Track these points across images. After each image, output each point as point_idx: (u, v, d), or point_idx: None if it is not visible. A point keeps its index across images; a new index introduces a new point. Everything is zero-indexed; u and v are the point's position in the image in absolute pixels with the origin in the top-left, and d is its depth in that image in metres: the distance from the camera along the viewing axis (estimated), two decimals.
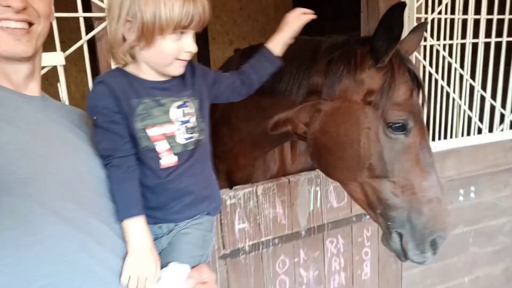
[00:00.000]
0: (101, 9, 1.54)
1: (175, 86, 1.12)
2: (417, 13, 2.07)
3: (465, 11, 2.26)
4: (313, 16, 1.42)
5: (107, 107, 1.04)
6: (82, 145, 1.06)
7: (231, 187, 1.88)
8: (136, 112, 1.05)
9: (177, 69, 1.10)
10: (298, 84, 1.55)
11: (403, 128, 1.37)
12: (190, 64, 1.17)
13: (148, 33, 1.00)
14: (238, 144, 1.91)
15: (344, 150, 1.43)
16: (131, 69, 1.10)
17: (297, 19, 1.38)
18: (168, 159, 1.10)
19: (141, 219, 1.05)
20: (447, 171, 2.41)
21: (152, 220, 1.13)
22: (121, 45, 1.05)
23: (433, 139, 2.34)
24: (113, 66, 1.28)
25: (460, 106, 2.36)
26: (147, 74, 1.10)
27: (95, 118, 1.05)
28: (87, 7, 1.53)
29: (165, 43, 1.03)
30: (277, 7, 6.48)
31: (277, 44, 1.37)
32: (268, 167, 2.12)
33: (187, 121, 1.12)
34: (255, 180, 2.06)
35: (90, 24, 1.54)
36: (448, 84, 2.31)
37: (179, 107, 1.10)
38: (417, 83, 1.42)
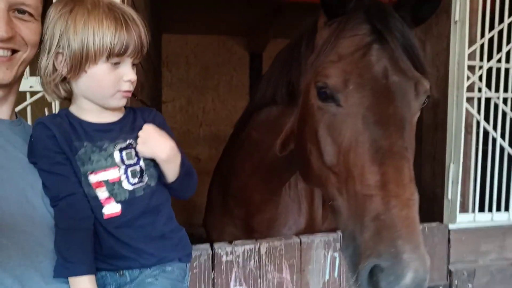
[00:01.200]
0: None
1: (120, 128, 1.06)
2: (469, 60, 1.78)
3: None
4: None
5: (48, 148, 0.98)
6: None
7: (250, 237, 1.65)
8: (78, 155, 0.99)
9: (118, 101, 1.03)
10: (281, 84, 1.36)
11: (330, 93, 1.04)
12: (150, 111, 1.14)
13: (80, 63, 0.97)
14: (252, 176, 1.71)
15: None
16: (73, 109, 1.06)
17: None
18: (110, 208, 1.00)
19: (88, 279, 0.94)
20: (510, 251, 1.95)
21: (111, 267, 1.02)
22: (52, 77, 1.01)
23: (490, 210, 1.92)
24: None
25: None
26: (89, 114, 1.04)
27: (36, 162, 0.99)
28: None
29: (99, 72, 0.98)
30: None
31: None
32: (293, 217, 1.86)
33: (133, 165, 1.03)
34: (276, 232, 1.81)
35: None
36: (510, 145, 1.92)
37: (123, 149, 1.03)
38: (379, 37, 1.07)
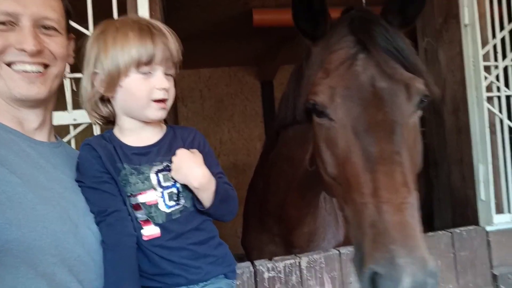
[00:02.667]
0: None
1: (158, 150, 1.07)
2: (484, 60, 1.82)
3: None
4: None
5: (94, 168, 1.02)
6: (83, 197, 1.01)
7: (290, 254, 1.67)
8: (120, 177, 1.02)
9: (155, 112, 1.04)
10: (296, 104, 1.38)
11: (321, 110, 1.08)
12: (190, 131, 1.15)
13: (113, 79, 1.01)
14: (287, 191, 1.72)
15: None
16: (116, 131, 1.10)
17: None
18: (150, 230, 1.02)
19: None
20: None
21: (159, 284, 1.01)
22: (91, 94, 1.06)
23: None
24: None
25: None
26: (130, 135, 1.08)
27: (82, 181, 1.02)
28: None
29: (132, 83, 1.02)
30: None
31: None
32: (331, 230, 1.86)
33: (170, 187, 1.04)
34: (316, 246, 1.81)
35: None
36: None
37: (159, 171, 1.04)
38: (364, 47, 1.09)
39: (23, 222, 0.83)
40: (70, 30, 1.12)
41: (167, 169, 1.04)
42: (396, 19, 1.17)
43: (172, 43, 1.05)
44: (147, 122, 1.08)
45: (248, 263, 1.61)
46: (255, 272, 1.57)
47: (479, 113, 1.80)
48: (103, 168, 1.01)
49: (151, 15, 1.56)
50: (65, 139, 1.50)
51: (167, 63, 1.04)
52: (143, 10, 1.53)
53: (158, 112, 1.05)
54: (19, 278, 0.81)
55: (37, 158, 0.96)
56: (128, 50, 0.99)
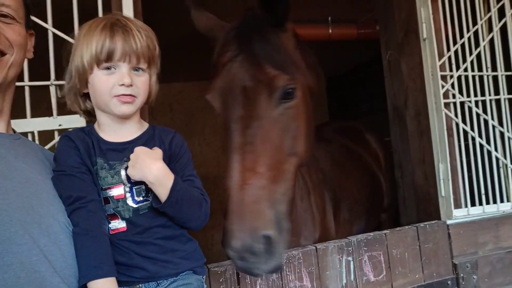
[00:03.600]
0: None
1: (133, 148, 1.06)
2: (441, 71, 2.02)
3: (494, 67, 2.18)
4: None
5: (73, 158, 1.04)
6: (47, 187, 0.99)
7: None
8: (95, 169, 1.05)
9: (117, 107, 1.05)
10: None
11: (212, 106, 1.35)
12: (169, 132, 1.16)
13: (82, 75, 1.06)
14: None
15: None
16: (96, 126, 1.13)
17: None
18: (116, 224, 1.04)
19: (113, 281, 0.94)
20: (504, 240, 2.10)
21: (127, 278, 1.01)
22: (69, 86, 1.11)
23: (480, 203, 2.09)
24: None
25: (506, 165, 2.15)
26: (107, 131, 1.11)
27: (62, 170, 1.03)
28: None
29: (96, 79, 1.05)
30: None
31: None
32: (308, 228, 1.95)
33: (139, 183, 1.04)
34: (293, 242, 1.89)
35: None
36: (488, 142, 2.14)
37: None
38: (239, 51, 1.29)
39: None
40: (30, 26, 1.11)
41: None
42: (272, 20, 1.33)
43: (137, 37, 1.04)
44: (124, 118, 1.09)
45: (230, 261, 1.67)
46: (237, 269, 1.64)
47: (438, 118, 1.98)
48: (81, 160, 1.04)
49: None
50: (50, 145, 1.50)
51: (131, 59, 1.04)
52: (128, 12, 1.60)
53: (121, 107, 1.04)
54: None
55: None
56: (90, 47, 1.03)
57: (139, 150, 1.03)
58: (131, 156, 1.03)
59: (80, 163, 1.03)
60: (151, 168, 1.00)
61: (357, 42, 4.26)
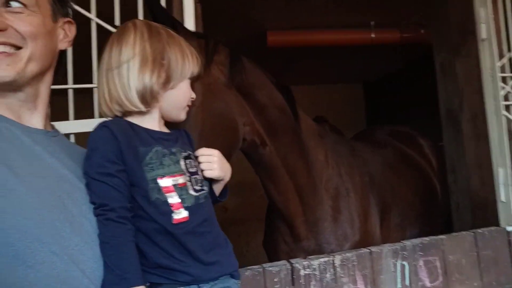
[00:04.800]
0: None
1: (176, 140, 1.11)
2: (500, 72, 1.96)
3: None
4: None
5: (105, 155, 0.96)
6: (80, 185, 0.95)
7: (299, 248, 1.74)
8: (145, 161, 0.99)
9: (185, 114, 1.16)
10: None
11: None
12: (186, 132, 1.20)
13: (175, 76, 1.08)
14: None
15: None
16: (134, 119, 1.07)
17: None
18: (180, 214, 1.00)
19: None
20: None
21: (168, 281, 0.98)
22: (151, 87, 1.04)
23: None
24: None
25: None
26: (151, 124, 1.09)
27: (87, 171, 0.97)
28: None
29: (185, 86, 1.12)
30: (346, 100, 6.64)
31: None
32: (342, 227, 1.94)
33: (195, 173, 1.08)
34: (322, 238, 1.89)
35: None
36: None
37: (186, 158, 1.08)
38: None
39: (18, 210, 0.80)
40: (63, 13, 1.04)
41: (190, 157, 1.09)
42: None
43: None
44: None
45: (285, 262, 1.67)
46: (292, 270, 1.63)
47: (498, 120, 1.92)
48: (115, 158, 0.96)
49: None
50: None
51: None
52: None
53: (185, 115, 1.17)
54: (18, 267, 0.78)
55: (32, 145, 0.92)
56: (195, 58, 1.12)
57: (218, 153, 1.15)
58: (209, 157, 1.13)
59: (112, 162, 0.95)
60: (229, 169, 1.16)
61: (391, 48, 4.20)
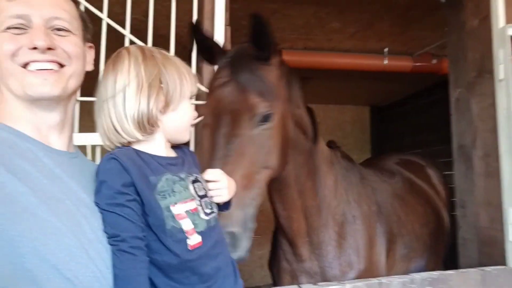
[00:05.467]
0: None
1: (183, 163, 1.11)
2: None
3: None
4: None
5: (113, 187, 0.95)
6: (98, 210, 0.97)
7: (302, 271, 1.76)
8: (157, 189, 0.98)
9: (188, 135, 1.16)
10: None
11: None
12: (186, 148, 1.22)
13: (175, 99, 1.07)
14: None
15: None
16: (140, 147, 1.05)
17: None
18: (195, 239, 1.01)
19: None
20: None
21: None
22: (151, 114, 1.03)
23: None
24: None
25: None
26: (159, 148, 1.08)
27: (98, 202, 0.96)
28: None
29: (187, 107, 1.12)
30: (354, 122, 6.70)
31: None
32: (346, 254, 1.95)
33: (205, 196, 1.09)
34: (324, 260, 1.91)
35: None
36: None
37: (194, 182, 1.08)
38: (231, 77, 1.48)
39: (36, 235, 0.81)
40: (88, 38, 1.12)
41: (198, 180, 1.10)
42: (259, 54, 1.53)
43: None
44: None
45: (295, 286, 1.68)
46: None
47: (510, 160, 1.95)
48: (125, 187, 0.95)
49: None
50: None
51: None
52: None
53: (188, 136, 1.16)
54: None
55: (53, 168, 0.94)
56: (192, 78, 1.12)
57: (224, 176, 1.18)
58: (217, 184, 1.15)
59: (121, 194, 0.94)
60: (235, 185, 1.23)
61: (403, 75, 4.26)
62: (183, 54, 1.43)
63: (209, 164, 1.37)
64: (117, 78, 1.02)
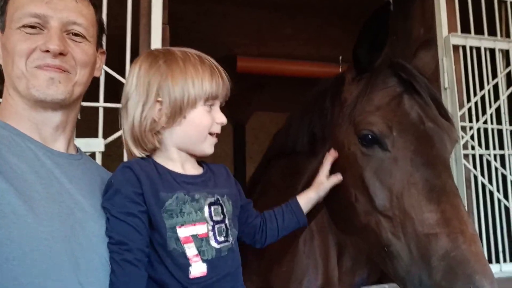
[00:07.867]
0: None
1: (204, 182, 1.02)
2: (461, 121, 1.99)
3: None
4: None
5: (128, 196, 0.92)
6: (96, 214, 0.94)
7: None
8: (164, 207, 0.93)
9: (210, 146, 1.04)
10: (301, 134, 1.46)
11: (376, 139, 1.12)
12: (221, 166, 1.13)
13: (180, 109, 0.98)
14: None
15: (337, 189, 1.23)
16: (160, 159, 1.02)
17: (329, 180, 1.29)
18: (197, 268, 0.93)
19: None
20: None
21: None
22: (152, 126, 0.99)
23: (497, 261, 2.01)
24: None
25: None
26: (177, 165, 1.02)
27: (108, 208, 0.93)
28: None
29: (198, 115, 1.00)
30: None
31: (308, 203, 1.30)
32: (309, 275, 1.84)
33: (221, 222, 0.99)
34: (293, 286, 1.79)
35: None
36: (506, 198, 2.08)
37: (211, 204, 0.99)
38: (412, 88, 1.19)
39: (25, 239, 0.79)
40: (102, 44, 1.13)
41: (218, 202, 1.00)
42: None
43: (227, 77, 1.07)
44: (191, 155, 1.04)
45: None
46: None
47: (458, 169, 1.93)
48: (137, 198, 0.92)
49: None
50: None
51: (226, 97, 1.07)
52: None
53: (212, 147, 1.04)
54: None
55: (52, 168, 0.92)
56: (200, 83, 0.99)
57: None
58: None
59: (134, 203, 0.92)
60: None
61: None
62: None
63: (437, 197, 1.02)
64: (125, 88, 1.04)
